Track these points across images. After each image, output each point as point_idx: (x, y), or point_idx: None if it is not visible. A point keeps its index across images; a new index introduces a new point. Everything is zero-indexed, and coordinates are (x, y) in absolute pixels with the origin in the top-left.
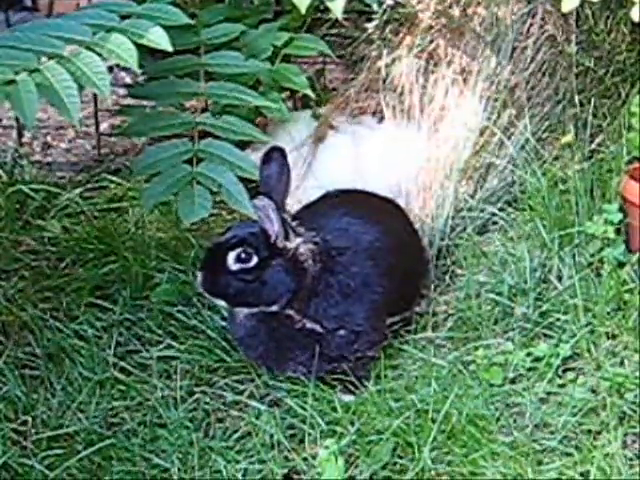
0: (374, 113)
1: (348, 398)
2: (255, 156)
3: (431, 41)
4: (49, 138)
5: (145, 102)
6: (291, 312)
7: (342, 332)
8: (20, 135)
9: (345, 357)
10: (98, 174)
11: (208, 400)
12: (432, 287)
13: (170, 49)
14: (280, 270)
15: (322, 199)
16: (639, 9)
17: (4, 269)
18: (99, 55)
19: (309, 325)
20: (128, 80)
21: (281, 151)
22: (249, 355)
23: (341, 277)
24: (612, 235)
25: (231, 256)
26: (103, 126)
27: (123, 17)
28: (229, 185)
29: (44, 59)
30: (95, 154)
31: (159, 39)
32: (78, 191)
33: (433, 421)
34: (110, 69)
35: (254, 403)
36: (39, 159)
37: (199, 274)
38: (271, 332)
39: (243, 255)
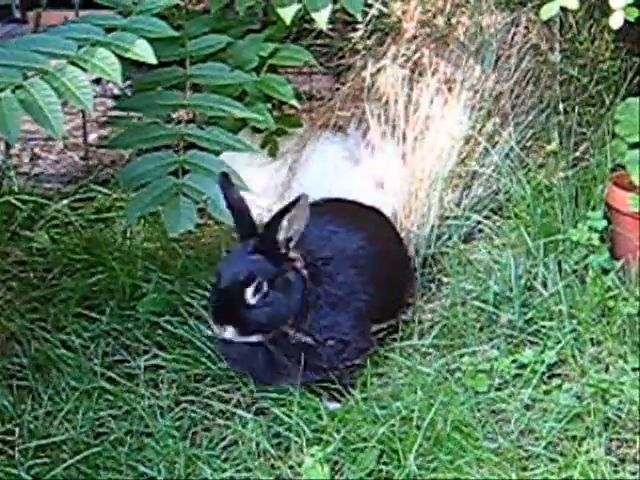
0: (359, 122)
1: (334, 406)
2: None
3: (415, 51)
4: (37, 150)
5: (133, 113)
6: (286, 328)
7: (331, 342)
8: (8, 147)
9: (334, 366)
10: (86, 185)
11: (195, 409)
12: (418, 295)
13: (155, 62)
14: (287, 287)
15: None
16: (618, 17)
17: None
18: (83, 69)
19: (303, 339)
20: (116, 92)
21: (227, 175)
22: (241, 372)
23: (327, 287)
24: (596, 242)
25: (249, 293)
26: (92, 137)
27: (109, 30)
28: (214, 196)
29: (30, 73)
30: (83, 165)
31: (144, 52)
32: (66, 202)
33: (418, 428)
34: (98, 80)
35: (240, 412)
36: (27, 171)
37: (228, 328)
38: (266, 350)
39: (258, 286)
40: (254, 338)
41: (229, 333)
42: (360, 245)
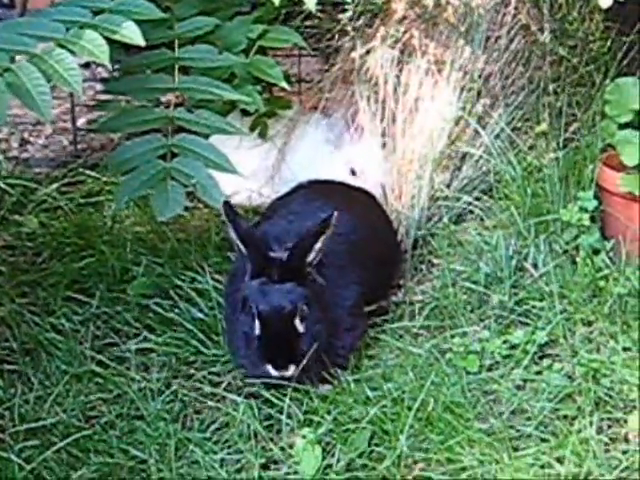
0: (348, 105)
1: (325, 388)
2: None
3: (405, 32)
4: (26, 134)
5: (121, 97)
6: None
7: (327, 325)
8: None
9: (329, 350)
10: (75, 169)
11: (185, 392)
12: (408, 276)
13: (143, 44)
14: (317, 300)
15: (295, 191)
16: None
17: None
18: (71, 52)
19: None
20: (106, 76)
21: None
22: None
23: (324, 271)
24: (587, 222)
25: (297, 323)
26: (81, 121)
27: (96, 13)
28: (203, 180)
29: (18, 57)
30: (72, 150)
31: (132, 34)
32: (55, 186)
33: (409, 409)
34: (87, 65)
35: (231, 395)
36: (16, 155)
37: (291, 368)
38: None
39: (301, 313)
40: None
41: (291, 371)
42: (350, 227)
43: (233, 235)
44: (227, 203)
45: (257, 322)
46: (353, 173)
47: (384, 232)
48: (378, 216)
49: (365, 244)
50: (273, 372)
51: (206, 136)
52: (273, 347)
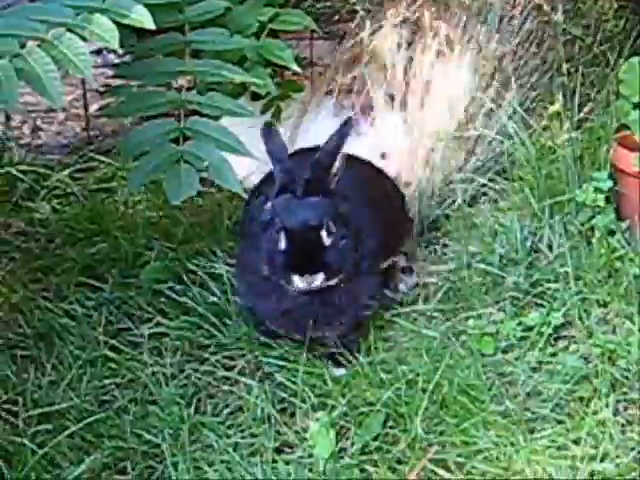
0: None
1: (340, 372)
2: None
3: (415, 12)
4: (39, 121)
5: (133, 82)
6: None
7: (355, 284)
8: (8, 118)
9: (353, 314)
10: (87, 155)
11: (199, 376)
12: (423, 258)
13: (153, 27)
14: (345, 221)
15: (295, 154)
16: None
17: None
18: (81, 37)
19: (344, 284)
20: (117, 61)
21: (271, 124)
22: (286, 328)
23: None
24: (602, 203)
25: (324, 235)
26: (93, 107)
27: None
28: (216, 163)
29: (30, 43)
30: (85, 136)
31: (142, 18)
32: (67, 172)
33: (424, 392)
34: (99, 51)
35: (245, 379)
36: (29, 142)
37: (318, 276)
38: (321, 300)
39: (328, 226)
40: (333, 281)
41: (319, 280)
42: (365, 185)
43: (264, 148)
44: (268, 123)
45: (283, 236)
46: (383, 157)
47: (394, 194)
48: (386, 179)
49: (381, 203)
50: (300, 284)
51: (218, 119)
52: (300, 257)
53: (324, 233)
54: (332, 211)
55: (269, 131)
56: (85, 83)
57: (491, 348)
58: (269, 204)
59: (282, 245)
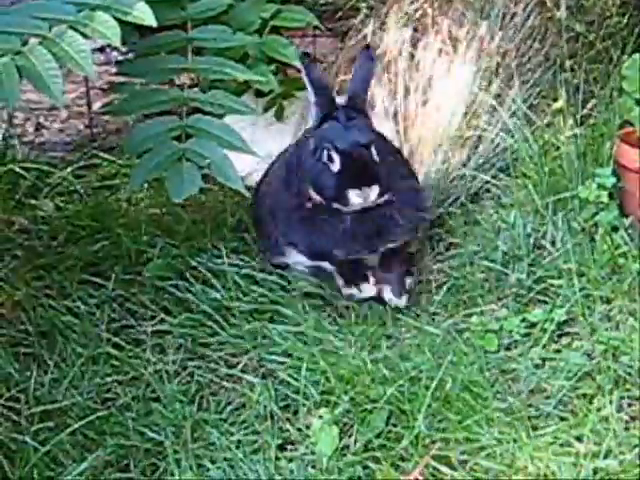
0: None
1: (402, 301)
2: None
3: (418, 9)
4: (42, 119)
5: (136, 80)
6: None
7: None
8: (11, 116)
9: (409, 225)
10: (90, 153)
11: (201, 373)
12: (426, 255)
13: (155, 24)
14: (382, 141)
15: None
16: None
17: None
18: (83, 34)
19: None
20: (120, 59)
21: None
22: (354, 245)
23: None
24: (605, 199)
25: (373, 152)
26: (96, 105)
27: None
28: (218, 160)
29: (32, 40)
30: (88, 133)
31: (144, 15)
32: (70, 170)
33: (427, 388)
34: (102, 49)
35: (247, 376)
36: (32, 140)
37: (374, 188)
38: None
39: (375, 145)
40: (386, 196)
41: (374, 193)
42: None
43: (305, 80)
44: (305, 53)
45: (337, 157)
46: None
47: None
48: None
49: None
50: (357, 199)
51: (220, 117)
52: (355, 174)
53: (373, 150)
54: (375, 132)
55: (308, 63)
56: (88, 81)
57: (494, 345)
58: (312, 133)
59: (336, 167)
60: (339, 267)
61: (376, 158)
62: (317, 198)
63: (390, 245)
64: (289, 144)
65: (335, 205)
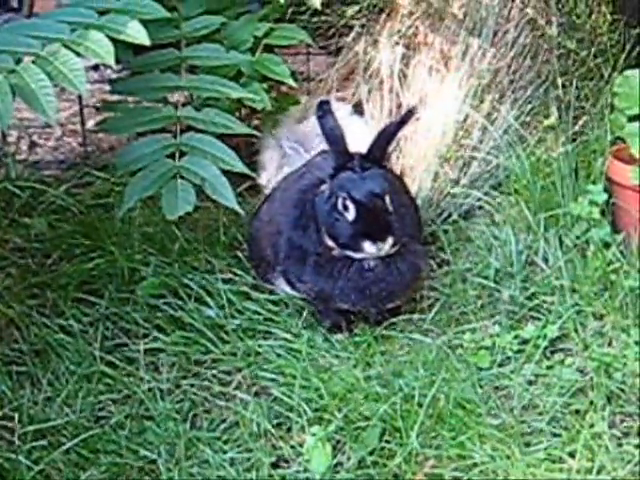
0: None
1: None
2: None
3: (410, 26)
4: (36, 137)
5: (130, 98)
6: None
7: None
8: (4, 134)
9: (407, 283)
10: (84, 171)
11: (195, 391)
12: None
13: (148, 43)
14: (397, 191)
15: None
16: None
17: None
18: (77, 53)
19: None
20: (114, 77)
21: (327, 103)
22: (366, 298)
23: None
24: (597, 216)
25: (388, 202)
26: (90, 123)
27: (102, 13)
28: (212, 178)
29: (25, 59)
30: (81, 151)
31: (137, 34)
32: (64, 188)
33: (420, 405)
34: (96, 67)
35: (241, 393)
36: (26, 158)
37: (388, 240)
38: (394, 268)
39: (390, 193)
40: (398, 247)
41: (388, 245)
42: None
43: (320, 131)
44: (323, 102)
45: (352, 207)
46: None
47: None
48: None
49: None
50: (371, 250)
51: (214, 134)
52: (370, 224)
53: (388, 200)
54: (390, 182)
55: (324, 113)
56: (82, 99)
57: (487, 361)
58: (327, 183)
59: (351, 216)
60: (325, 310)
61: (390, 208)
62: (330, 243)
63: (391, 305)
64: (290, 173)
65: (348, 252)
